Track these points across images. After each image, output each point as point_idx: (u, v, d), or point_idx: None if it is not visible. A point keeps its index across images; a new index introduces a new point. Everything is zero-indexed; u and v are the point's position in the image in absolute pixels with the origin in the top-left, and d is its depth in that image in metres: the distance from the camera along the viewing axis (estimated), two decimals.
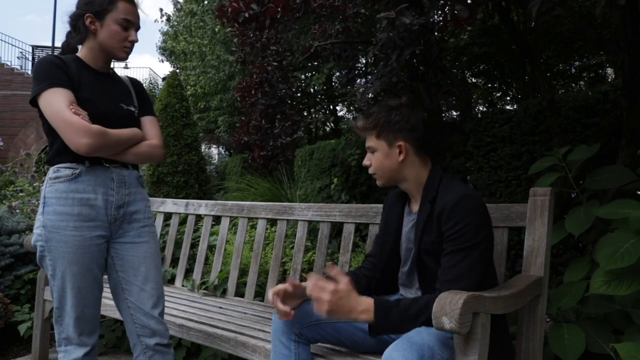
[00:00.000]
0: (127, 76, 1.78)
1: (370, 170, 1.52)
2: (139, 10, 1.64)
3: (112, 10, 1.55)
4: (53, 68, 1.49)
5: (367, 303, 1.28)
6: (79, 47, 1.63)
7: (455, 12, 1.88)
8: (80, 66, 1.58)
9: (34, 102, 1.51)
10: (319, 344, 1.60)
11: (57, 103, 1.45)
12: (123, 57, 1.63)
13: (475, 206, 1.34)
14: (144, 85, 11.91)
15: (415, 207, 1.51)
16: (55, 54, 1.65)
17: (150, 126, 1.67)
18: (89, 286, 1.54)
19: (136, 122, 1.65)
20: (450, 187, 1.39)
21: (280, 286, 1.44)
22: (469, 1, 1.93)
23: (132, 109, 1.65)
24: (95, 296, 1.58)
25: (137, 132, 1.61)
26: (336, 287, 1.29)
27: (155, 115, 1.75)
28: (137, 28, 1.63)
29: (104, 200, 1.55)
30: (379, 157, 1.48)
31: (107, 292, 2.46)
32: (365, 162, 1.53)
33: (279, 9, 2.56)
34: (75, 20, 1.59)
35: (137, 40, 1.62)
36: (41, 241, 1.52)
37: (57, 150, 1.54)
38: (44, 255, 1.54)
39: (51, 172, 1.57)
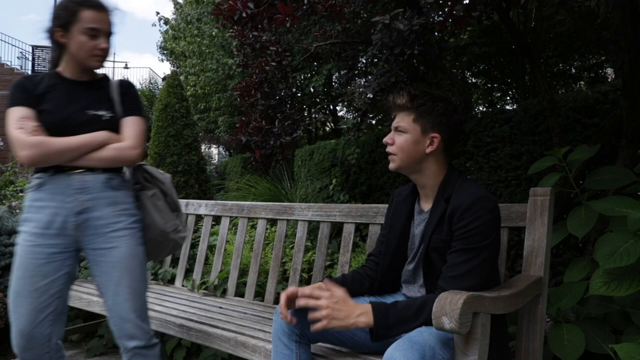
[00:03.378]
0: (119, 79, 1.77)
1: (391, 149, 1.46)
2: (110, 15, 1.62)
3: (77, 21, 1.55)
4: (15, 89, 1.59)
5: (364, 307, 1.28)
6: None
7: (454, 12, 1.89)
8: (55, 79, 1.62)
9: None
10: (320, 344, 1.60)
11: (8, 121, 1.54)
12: (96, 66, 1.63)
13: (489, 209, 1.34)
14: (144, 85, 11.91)
15: (427, 206, 1.50)
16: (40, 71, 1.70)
17: (127, 127, 1.64)
18: (26, 296, 1.52)
19: (108, 126, 1.62)
20: (466, 188, 1.38)
21: (293, 289, 1.42)
22: (466, 1, 1.93)
23: (102, 112, 1.62)
24: (30, 309, 1.52)
25: (97, 136, 1.57)
26: (332, 292, 1.30)
27: (140, 116, 1.70)
28: (108, 34, 1.62)
29: (61, 208, 1.56)
30: (406, 140, 1.43)
31: None
32: (387, 139, 1.47)
33: (287, 18, 2.56)
34: (50, 35, 1.62)
35: (108, 47, 1.62)
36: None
37: None
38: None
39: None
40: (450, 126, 1.43)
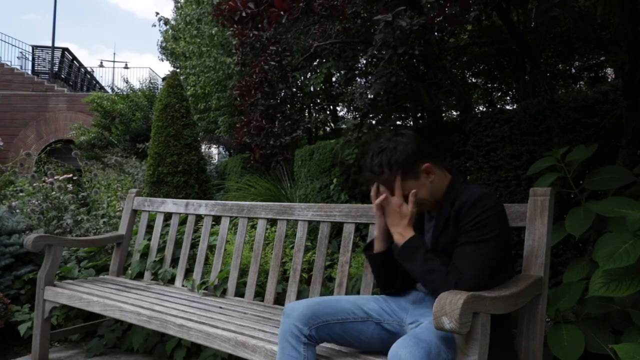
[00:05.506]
0: None
1: (422, 207, 1.54)
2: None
3: None
4: None
5: (409, 232, 1.47)
6: None
7: (446, 10, 1.89)
8: None
9: None
10: (324, 345, 1.61)
11: None
12: None
13: (492, 205, 1.40)
14: (145, 84, 11.89)
15: (436, 211, 1.56)
16: None
17: None
18: None
19: None
20: (471, 189, 1.46)
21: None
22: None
23: None
24: None
25: None
26: (406, 207, 1.47)
27: None
28: None
29: None
30: (421, 191, 1.50)
31: (106, 292, 2.47)
32: (416, 206, 1.52)
33: (282, 13, 2.55)
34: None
35: None
36: None
37: None
38: None
39: None
40: (420, 150, 1.49)
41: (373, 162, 1.50)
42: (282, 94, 3.62)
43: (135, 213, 3.10)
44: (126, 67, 24.69)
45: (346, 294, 2.07)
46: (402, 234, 1.47)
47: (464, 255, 1.37)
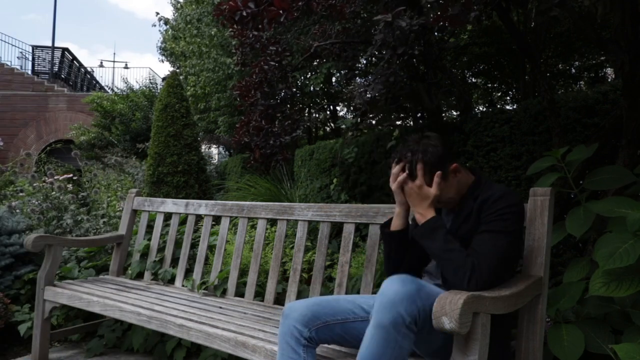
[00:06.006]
0: None
1: (451, 202, 1.59)
2: None
3: None
4: None
5: (430, 212, 1.50)
6: None
7: (449, 9, 1.89)
8: None
9: None
10: (324, 345, 1.61)
11: None
12: None
13: (516, 202, 1.47)
14: (145, 84, 11.89)
15: (458, 206, 1.61)
16: None
17: None
18: None
19: None
20: (495, 186, 1.53)
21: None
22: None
23: None
24: None
25: None
26: (427, 189, 1.51)
27: None
28: None
29: None
30: (446, 193, 1.56)
31: (106, 292, 2.47)
32: (448, 205, 1.60)
33: (281, 11, 2.55)
34: None
35: None
36: None
37: None
38: None
39: None
40: (447, 151, 1.57)
41: (402, 158, 1.56)
42: (282, 94, 3.62)
43: (135, 213, 3.10)
44: (126, 67, 24.68)
45: (346, 293, 2.07)
46: (422, 214, 1.50)
47: (482, 243, 1.42)
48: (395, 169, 1.58)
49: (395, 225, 1.64)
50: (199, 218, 3.13)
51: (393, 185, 1.58)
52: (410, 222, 1.65)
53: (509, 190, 1.50)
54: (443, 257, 1.42)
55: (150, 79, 12.76)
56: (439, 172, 1.52)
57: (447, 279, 1.45)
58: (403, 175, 1.55)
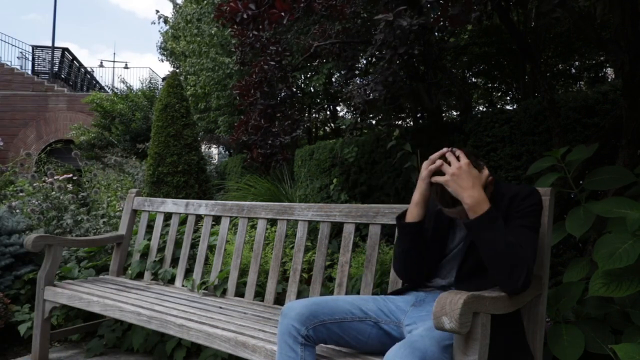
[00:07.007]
0: None
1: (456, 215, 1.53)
2: None
3: None
4: None
5: (485, 199, 1.34)
6: None
7: (449, 9, 1.89)
8: None
9: None
10: (323, 345, 1.61)
11: None
12: None
13: (540, 200, 1.47)
14: (145, 84, 11.88)
15: None
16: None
17: None
18: None
19: None
20: (514, 187, 1.51)
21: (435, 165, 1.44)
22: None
23: None
24: None
25: None
26: (464, 162, 1.37)
27: None
28: None
29: None
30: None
31: (106, 292, 2.47)
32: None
33: (282, 14, 2.55)
34: None
35: None
36: None
37: None
38: None
39: None
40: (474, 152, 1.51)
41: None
42: (282, 93, 3.62)
43: (135, 213, 3.10)
44: (126, 67, 24.70)
45: (346, 294, 2.07)
46: (476, 197, 1.33)
47: (521, 235, 1.39)
48: (425, 163, 1.46)
49: (414, 215, 1.50)
50: (199, 218, 3.13)
51: (423, 173, 1.44)
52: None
53: (533, 188, 1.49)
54: (505, 252, 1.29)
55: (150, 79, 12.76)
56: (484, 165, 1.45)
57: (494, 275, 1.33)
58: (439, 162, 1.41)
